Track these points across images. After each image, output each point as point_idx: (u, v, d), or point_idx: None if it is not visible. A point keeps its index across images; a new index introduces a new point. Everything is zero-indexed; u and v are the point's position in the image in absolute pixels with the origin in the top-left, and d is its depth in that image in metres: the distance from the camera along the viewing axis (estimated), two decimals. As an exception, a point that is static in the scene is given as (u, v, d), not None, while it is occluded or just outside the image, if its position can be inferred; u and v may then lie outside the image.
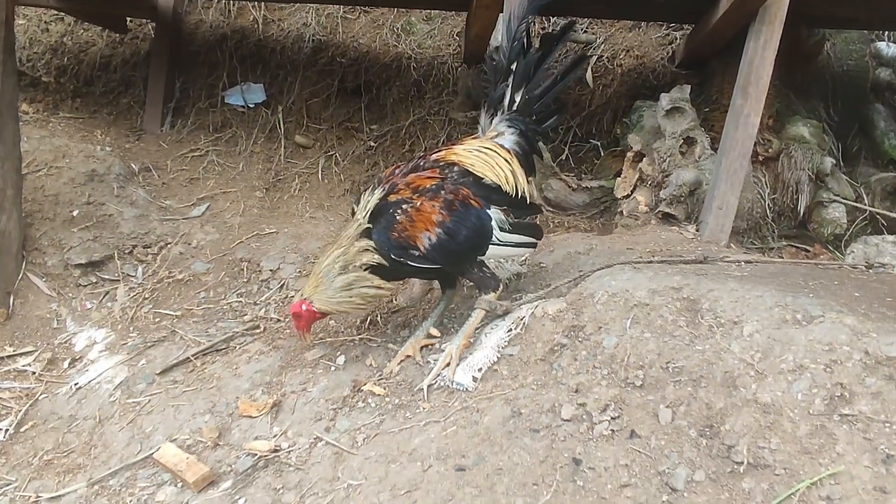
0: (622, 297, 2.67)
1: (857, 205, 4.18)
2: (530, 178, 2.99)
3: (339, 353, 3.18)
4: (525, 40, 2.87)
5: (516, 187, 2.90)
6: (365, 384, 2.89)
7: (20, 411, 3.18)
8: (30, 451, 2.99)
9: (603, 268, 2.98)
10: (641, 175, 4.11)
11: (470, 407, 2.56)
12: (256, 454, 2.65)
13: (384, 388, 2.85)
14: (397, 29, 5.54)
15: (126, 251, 4.22)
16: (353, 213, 2.95)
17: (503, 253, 2.97)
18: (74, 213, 4.25)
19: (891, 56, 4.77)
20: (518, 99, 2.94)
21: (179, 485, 2.60)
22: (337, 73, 5.34)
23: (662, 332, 2.46)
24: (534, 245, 3.01)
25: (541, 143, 3.68)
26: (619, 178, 4.34)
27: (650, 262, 3.03)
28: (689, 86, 4.17)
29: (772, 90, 4.36)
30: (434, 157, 2.90)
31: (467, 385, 2.68)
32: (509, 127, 2.95)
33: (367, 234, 2.80)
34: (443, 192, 2.78)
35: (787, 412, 1.98)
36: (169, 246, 4.34)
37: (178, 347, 3.52)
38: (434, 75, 5.32)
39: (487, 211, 2.84)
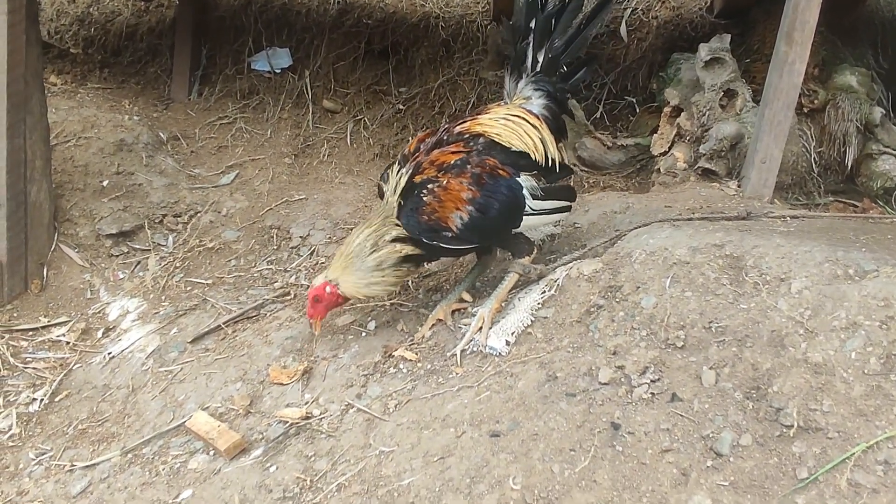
0: (661, 256, 2.56)
1: (910, 156, 3.97)
2: (562, 142, 2.86)
3: (370, 318, 3.13)
4: None
5: (546, 155, 2.78)
6: (396, 349, 2.83)
7: (55, 381, 3.19)
8: (64, 421, 3.01)
9: (640, 226, 2.86)
10: (679, 131, 3.95)
11: (504, 371, 2.48)
12: (288, 421, 2.62)
13: (416, 354, 2.79)
14: (425, -12, 5.39)
15: (156, 220, 4.21)
16: (381, 193, 2.86)
17: (538, 222, 2.85)
18: (104, 184, 4.24)
19: (947, -2, 4.50)
20: (541, 58, 2.79)
21: (212, 452, 2.58)
22: (363, 36, 5.21)
23: (704, 290, 2.35)
24: (568, 209, 2.89)
25: (573, 102, 3.56)
26: (655, 135, 4.18)
27: (690, 219, 2.91)
28: (730, 35, 3.97)
29: (817, 37, 4.12)
30: (458, 129, 2.77)
31: (500, 349, 2.60)
32: (536, 90, 2.81)
33: (397, 215, 2.70)
34: (469, 166, 2.65)
35: (839, 372, 1.87)
36: (199, 214, 4.31)
37: (209, 316, 3.51)
38: (463, 34, 5.16)
39: (517, 179, 2.72)
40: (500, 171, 2.68)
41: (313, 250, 3.96)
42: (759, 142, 3.42)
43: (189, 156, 4.77)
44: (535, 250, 2.87)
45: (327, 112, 5.14)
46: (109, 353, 3.34)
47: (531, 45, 2.78)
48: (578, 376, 2.30)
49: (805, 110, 4.10)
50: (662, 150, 4.04)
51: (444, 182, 2.63)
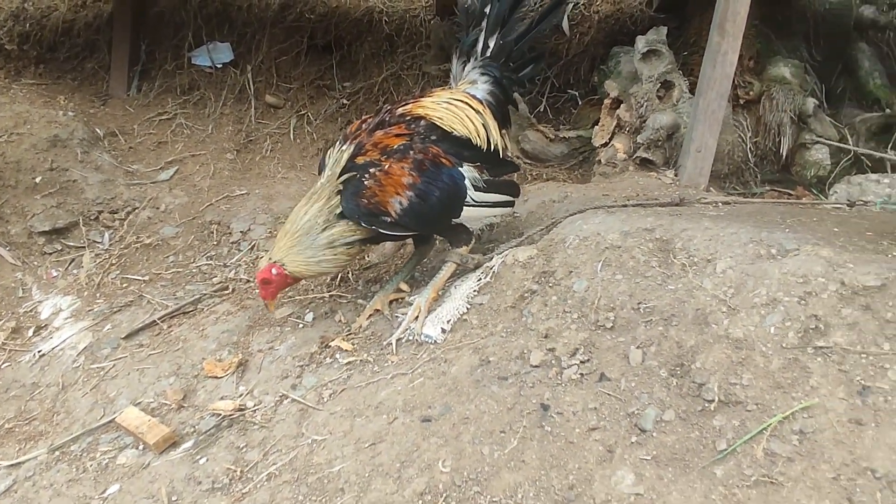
0: (594, 241, 2.57)
1: (842, 145, 4.06)
2: (504, 131, 2.85)
3: (307, 310, 3.09)
4: None
5: (488, 140, 2.76)
6: (333, 340, 2.80)
7: (-19, 381, 3.09)
8: (-9, 421, 2.91)
9: (575, 213, 2.87)
10: (619, 122, 3.99)
11: (438, 358, 2.47)
12: (221, 414, 2.58)
13: (352, 344, 2.76)
14: (368, -18, 5.36)
15: (92, 217, 4.10)
16: (321, 169, 2.81)
17: (478, 214, 2.81)
18: (37, 180, 4.12)
19: (874, -7, 4.63)
20: (492, 45, 2.78)
21: (141, 447, 2.52)
22: (306, 30, 5.17)
23: (634, 273, 2.37)
24: (511, 204, 2.87)
25: (516, 95, 3.55)
26: (596, 127, 4.21)
27: (624, 205, 2.93)
28: (666, 27, 4.03)
29: (752, 30, 4.23)
30: (400, 111, 2.75)
31: (436, 337, 2.59)
32: (482, 75, 2.80)
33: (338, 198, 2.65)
34: (412, 151, 2.62)
35: (759, 347, 1.90)
36: (136, 211, 4.22)
37: (144, 312, 3.43)
38: (406, 29, 5.15)
39: (460, 169, 2.70)
40: (443, 160, 2.65)
41: (253, 245, 3.90)
42: (694, 131, 3.47)
43: (127, 152, 4.67)
44: (474, 240, 2.85)
45: (270, 107, 5.08)
46: (39, 352, 3.25)
47: (484, 30, 2.77)
48: (511, 360, 2.30)
49: (741, 101, 4.18)
50: (603, 142, 4.07)
51: (386, 167, 2.59)
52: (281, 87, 5.14)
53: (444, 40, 4.84)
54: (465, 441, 2.07)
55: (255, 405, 2.60)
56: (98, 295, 3.68)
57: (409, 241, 3.49)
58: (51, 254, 3.94)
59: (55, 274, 3.84)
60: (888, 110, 4.28)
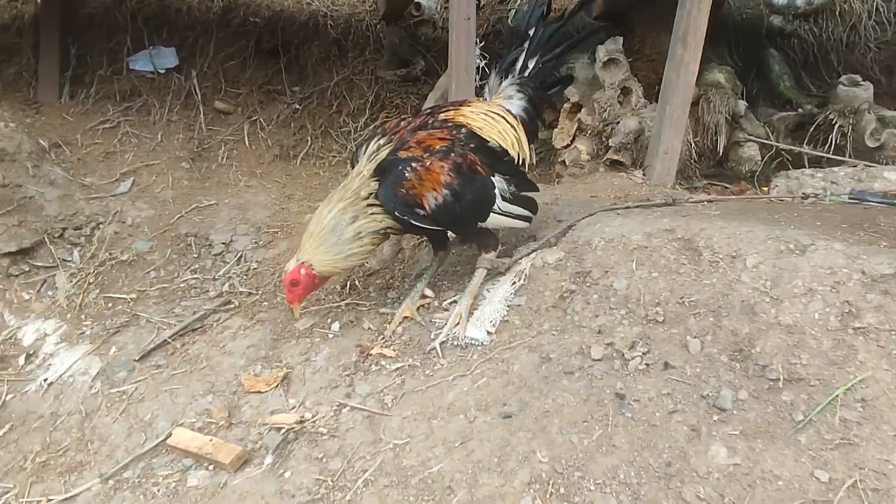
0: (620, 242, 2.84)
1: (768, 142, 4.58)
2: (532, 145, 3.05)
3: (329, 319, 3.17)
4: (546, 8, 2.93)
5: (519, 154, 2.96)
6: (372, 348, 2.91)
7: (-10, 415, 2.95)
8: (17, 455, 2.80)
9: (587, 216, 3.13)
10: (581, 125, 4.29)
11: (493, 358, 2.65)
12: (283, 427, 2.63)
13: (394, 350, 2.88)
14: (308, -15, 5.38)
15: (56, 235, 3.92)
16: (353, 164, 2.90)
17: (502, 222, 2.96)
18: (-9, 198, 3.89)
19: (781, 4, 5.20)
20: (531, 65, 2.99)
21: (210, 467, 2.53)
22: (252, 34, 5.12)
23: (668, 270, 2.66)
24: (529, 219, 3.03)
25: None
26: (556, 130, 4.50)
27: (627, 207, 3.22)
28: (622, 38, 4.36)
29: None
30: (442, 116, 2.89)
31: (482, 339, 2.76)
32: (519, 91, 2.99)
33: (373, 187, 2.75)
34: (453, 154, 2.76)
35: (808, 330, 2.23)
36: (101, 226, 4.07)
37: (147, 331, 3.37)
38: (353, 33, 5.23)
39: (492, 178, 2.87)
40: (479, 168, 2.81)
41: (241, 256, 3.89)
42: (661, 134, 3.82)
43: (76, 164, 4.46)
44: (500, 245, 3.04)
45: (220, 113, 5.00)
46: (45, 380, 3.13)
47: (525, 50, 2.97)
48: (571, 356, 2.52)
49: (682, 104, 4.60)
50: (565, 144, 4.37)
51: (428, 163, 2.72)
52: (229, 92, 5.06)
53: (398, 46, 4.95)
54: (553, 433, 2.28)
55: (313, 416, 2.67)
56: (83, 317, 3.56)
57: (415, 243, 3.66)
58: (17, 276, 3.74)
59: (27, 297, 3.66)
60: (800, 109, 4.84)
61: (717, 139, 4.54)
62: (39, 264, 3.80)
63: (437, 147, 2.74)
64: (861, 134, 4.38)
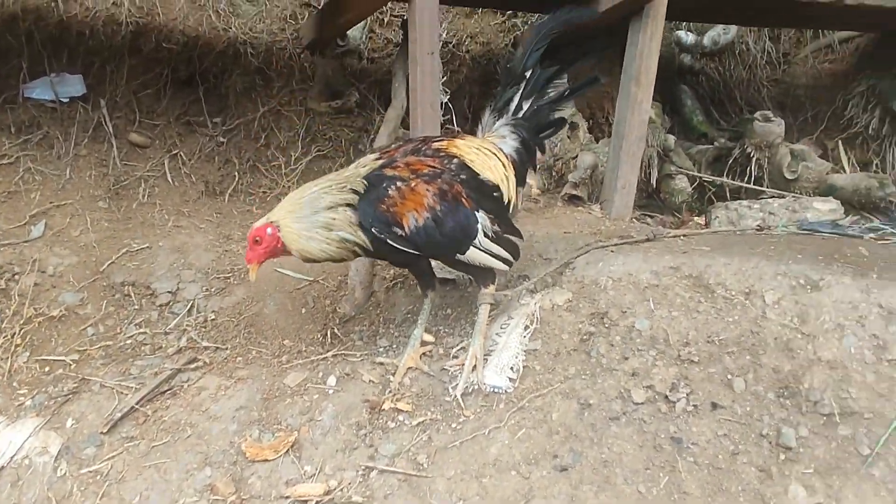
0: (628, 282, 2.86)
1: (695, 174, 4.84)
2: (519, 188, 3.00)
3: (320, 373, 2.95)
4: (544, 51, 2.89)
5: (506, 194, 2.89)
6: (383, 403, 2.73)
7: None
8: (-20, 564, 2.35)
9: (581, 254, 3.13)
10: (530, 160, 4.31)
11: (526, 407, 2.57)
12: (309, 500, 2.39)
13: (408, 404, 2.72)
14: (221, 10, 5.05)
15: (-35, 290, 3.40)
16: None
17: (481, 259, 2.82)
18: None
19: (689, 44, 5.54)
20: (525, 107, 2.93)
21: (239, 554, 2.26)
22: (167, 62, 4.72)
23: (687, 309, 2.70)
24: (510, 263, 2.89)
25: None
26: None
27: (616, 244, 3.25)
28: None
29: (615, 79, 4.85)
30: (436, 145, 2.80)
31: (505, 387, 2.67)
32: (512, 132, 2.93)
33: (356, 193, 2.65)
34: (439, 180, 2.68)
35: (849, 365, 2.34)
36: (17, 276, 3.58)
37: (104, 398, 2.97)
38: (277, 63, 4.97)
39: (476, 213, 2.80)
40: (464, 200, 2.73)
41: (192, 305, 3.55)
42: (618, 170, 3.92)
43: (-26, 206, 3.91)
44: (497, 279, 2.94)
45: (136, 147, 4.56)
46: (-7, 465, 2.66)
47: (520, 91, 2.90)
48: (611, 400, 2.49)
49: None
50: (513, 178, 4.36)
51: (413, 184, 2.64)
52: (144, 123, 4.63)
53: (330, 77, 4.76)
54: (619, 483, 2.23)
55: (339, 484, 2.46)
56: (16, 384, 3.10)
57: (388, 286, 3.50)
58: (-77, 340, 3.20)
59: (-62, 365, 3.13)
60: (716, 143, 5.16)
61: (650, 172, 4.74)
62: (-51, 325, 3.27)
63: (425, 171, 2.65)
64: (778, 167, 4.73)
